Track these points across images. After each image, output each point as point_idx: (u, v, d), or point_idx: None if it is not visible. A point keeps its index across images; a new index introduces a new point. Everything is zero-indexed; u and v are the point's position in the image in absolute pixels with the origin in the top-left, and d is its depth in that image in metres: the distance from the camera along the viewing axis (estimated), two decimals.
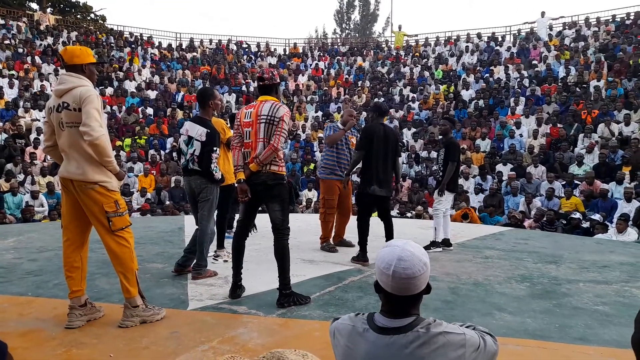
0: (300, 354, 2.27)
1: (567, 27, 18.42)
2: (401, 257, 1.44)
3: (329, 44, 25.05)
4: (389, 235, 4.83)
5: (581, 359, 2.73)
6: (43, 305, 3.47)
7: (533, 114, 12.66)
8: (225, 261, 4.69)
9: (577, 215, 8.51)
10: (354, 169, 5.13)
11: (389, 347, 1.45)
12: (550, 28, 18.36)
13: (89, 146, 2.88)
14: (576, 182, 9.86)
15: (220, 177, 4.08)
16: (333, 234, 5.55)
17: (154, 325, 3.07)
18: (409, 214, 10.16)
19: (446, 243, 5.57)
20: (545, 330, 3.09)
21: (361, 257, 4.73)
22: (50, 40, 18.39)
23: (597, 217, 8.20)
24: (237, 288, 3.63)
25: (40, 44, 17.91)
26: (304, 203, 10.97)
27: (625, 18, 17.53)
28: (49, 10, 25.40)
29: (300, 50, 22.31)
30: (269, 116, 3.43)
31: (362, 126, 5.32)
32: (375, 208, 5.01)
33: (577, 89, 13.49)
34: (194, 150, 4.01)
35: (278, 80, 3.67)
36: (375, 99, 16.21)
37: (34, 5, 26.66)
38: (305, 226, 6.81)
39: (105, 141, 2.89)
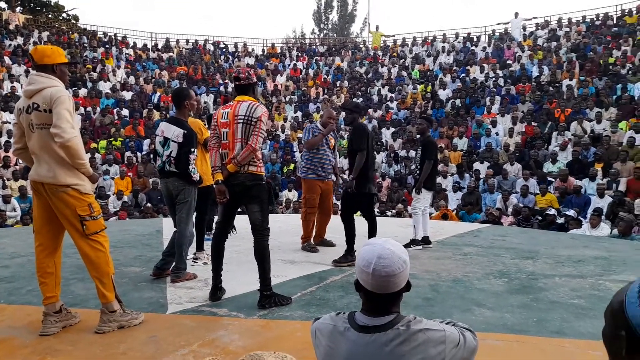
0: (279, 356, 2.26)
1: (540, 27, 18.83)
2: (381, 255, 1.45)
3: (307, 44, 25.04)
4: (372, 232, 4.84)
5: (558, 351, 2.79)
6: (16, 313, 3.37)
7: (508, 113, 12.90)
8: (205, 263, 4.63)
9: (552, 211, 8.70)
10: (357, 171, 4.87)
11: (369, 346, 1.45)
12: (524, 28, 18.75)
13: (60, 148, 2.80)
14: (550, 179, 10.09)
15: (198, 178, 4.03)
16: (314, 234, 5.54)
17: (132, 330, 3.01)
18: (388, 213, 10.23)
19: (425, 241, 5.62)
20: (523, 324, 3.15)
21: (350, 257, 4.63)
22: (20, 40, 17.90)
23: (571, 212, 8.39)
24: (217, 290, 3.59)
25: (10, 44, 17.40)
26: (284, 204, 10.93)
27: (595, 19, 18.03)
28: (18, 9, 24.71)
29: (279, 51, 22.24)
30: (247, 116, 3.39)
31: (349, 126, 5.26)
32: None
33: (550, 88, 13.81)
34: (171, 151, 3.94)
35: (255, 80, 3.62)
36: (353, 99, 16.27)
37: (2, 4, 25.92)
38: (285, 227, 6.79)
39: (78, 143, 2.81)
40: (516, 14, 19.17)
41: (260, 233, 3.47)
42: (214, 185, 3.50)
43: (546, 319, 3.25)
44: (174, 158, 3.93)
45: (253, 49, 22.03)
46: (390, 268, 1.44)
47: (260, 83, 3.99)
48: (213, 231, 4.18)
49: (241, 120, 3.40)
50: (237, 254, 4.96)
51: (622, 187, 9.11)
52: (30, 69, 15.37)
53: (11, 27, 18.95)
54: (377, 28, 22.12)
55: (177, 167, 3.93)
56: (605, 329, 1.07)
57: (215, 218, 3.93)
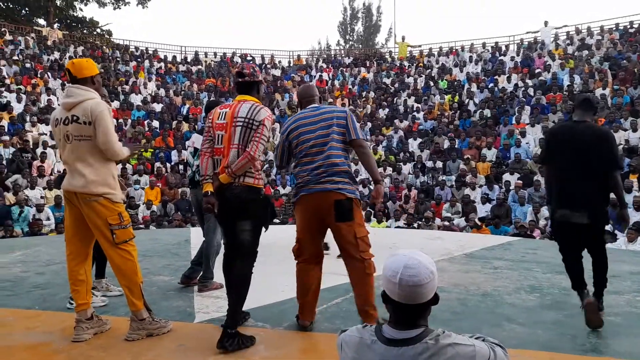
0: None
1: (570, 36, 18.45)
2: (408, 265, 1.44)
3: (333, 56, 25.19)
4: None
5: None
6: (50, 319, 3.47)
7: (539, 123, 12.63)
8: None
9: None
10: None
11: (397, 359, 1.44)
12: (556, 37, 18.39)
13: (113, 159, 3.02)
14: None
15: None
16: None
17: (160, 339, 3.06)
18: (415, 224, 10.11)
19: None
20: (556, 341, 3.05)
21: None
22: (57, 55, 18.63)
23: (608, 226, 8.11)
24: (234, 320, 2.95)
25: (48, 59, 18.14)
26: None
27: (629, 26, 17.54)
28: (56, 25, 25.77)
29: (305, 62, 22.45)
30: (247, 119, 2.94)
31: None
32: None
33: None
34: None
35: (260, 78, 3.18)
36: (379, 109, 16.24)
37: (41, 21, 27.09)
38: None
39: (120, 151, 3.05)
40: (546, 23, 18.84)
41: (247, 257, 2.98)
42: (204, 197, 3.01)
43: (581, 336, 3.14)
44: None
45: (280, 61, 22.31)
46: (418, 278, 1.43)
47: (263, 82, 3.29)
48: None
49: (240, 123, 2.94)
50: (263, 264, 4.97)
51: None
52: (65, 82, 15.98)
53: (49, 42, 19.76)
54: (403, 38, 22.09)
55: None
56: None
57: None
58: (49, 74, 16.84)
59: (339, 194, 2.98)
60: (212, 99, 13.92)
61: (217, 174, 2.96)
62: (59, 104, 3.20)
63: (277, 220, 9.70)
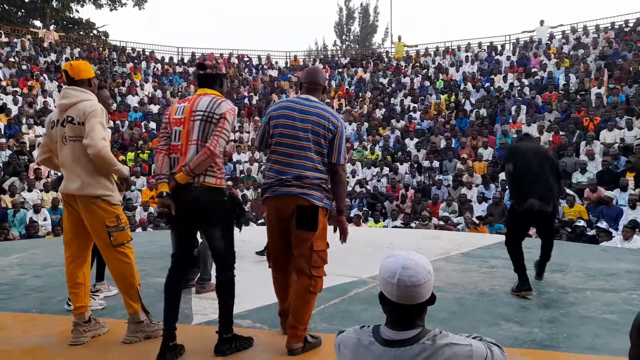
0: None
1: (566, 35, 18.50)
2: (405, 265, 1.45)
3: (330, 56, 25.21)
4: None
5: None
6: (47, 322, 3.46)
7: (535, 122, 12.67)
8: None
9: (582, 223, 8.45)
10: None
11: None
12: (551, 36, 18.45)
13: (94, 158, 2.87)
14: (571, 191, 9.76)
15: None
16: None
17: (158, 341, 3.03)
18: (412, 224, 10.13)
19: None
20: (553, 340, 3.06)
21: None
22: (53, 56, 18.58)
23: (603, 225, 8.16)
24: (167, 350, 2.69)
25: (44, 61, 18.09)
26: None
27: (624, 25, 17.61)
28: (52, 27, 25.71)
29: (301, 63, 22.45)
30: (207, 112, 2.70)
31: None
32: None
33: (578, 97, 13.51)
34: None
35: (223, 71, 2.90)
36: (376, 109, 16.28)
37: (37, 23, 27.01)
38: None
39: (107, 152, 2.89)
40: (541, 22, 18.91)
41: (226, 263, 2.81)
42: (158, 198, 2.75)
43: (577, 334, 3.15)
44: None
45: (276, 62, 22.31)
46: (416, 278, 1.44)
47: (227, 75, 2.42)
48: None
49: (200, 117, 2.70)
50: (259, 264, 4.98)
51: None
52: (62, 84, 15.94)
53: (45, 44, 19.71)
54: (399, 38, 22.12)
55: None
56: (631, 352, 1.05)
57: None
58: (45, 75, 16.81)
59: (305, 200, 2.73)
60: None
61: (174, 173, 2.71)
62: (55, 106, 3.17)
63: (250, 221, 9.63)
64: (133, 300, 3.02)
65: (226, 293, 2.79)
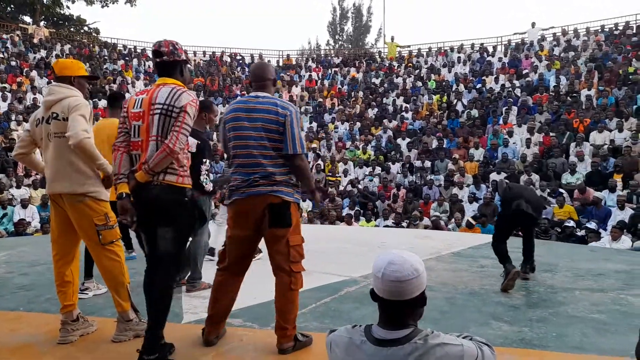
0: None
1: (557, 37, 18.66)
2: (392, 261, 1.48)
3: (323, 55, 25.20)
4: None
5: None
6: (35, 320, 3.42)
7: (525, 123, 12.76)
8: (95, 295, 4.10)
9: (571, 223, 8.53)
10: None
11: (386, 359, 1.44)
12: (542, 38, 18.59)
13: (75, 150, 2.79)
14: (561, 191, 9.86)
15: (211, 188, 4.00)
16: None
17: None
18: (404, 224, 10.16)
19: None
20: (542, 339, 3.08)
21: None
22: (43, 53, 18.39)
23: (592, 225, 8.24)
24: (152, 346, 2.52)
25: (34, 57, 17.89)
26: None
27: (614, 28, 17.81)
28: (42, 23, 25.43)
29: (294, 62, 22.42)
30: (166, 105, 2.53)
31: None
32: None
33: (568, 98, 13.63)
34: None
35: (183, 57, 2.69)
36: (368, 109, 16.31)
37: (27, 19, 26.71)
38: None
39: (90, 144, 2.79)
40: (533, 24, 19.04)
41: (169, 268, 2.59)
42: (117, 201, 2.61)
43: (566, 334, 3.18)
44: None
45: (269, 60, 22.27)
46: (400, 273, 1.45)
47: (187, 61, 2.44)
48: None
49: (159, 111, 2.53)
50: (254, 262, 4.96)
51: None
52: (52, 80, 15.78)
53: (35, 40, 19.50)
54: (392, 39, 22.17)
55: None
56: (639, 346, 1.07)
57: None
58: (35, 72, 16.62)
59: (275, 197, 2.64)
60: (200, 98, 13.85)
61: (135, 171, 2.56)
62: (41, 102, 3.11)
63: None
64: (122, 299, 2.99)
65: (160, 302, 2.55)
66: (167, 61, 2.63)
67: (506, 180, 4.73)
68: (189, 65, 2.73)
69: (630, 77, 13.47)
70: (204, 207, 4.02)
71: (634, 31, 17.03)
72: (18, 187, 10.43)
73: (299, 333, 2.83)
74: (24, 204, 9.64)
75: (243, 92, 17.90)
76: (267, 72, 2.84)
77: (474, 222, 9.39)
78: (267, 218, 2.65)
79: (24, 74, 16.22)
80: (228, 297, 2.87)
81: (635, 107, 12.16)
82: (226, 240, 2.89)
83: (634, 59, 14.45)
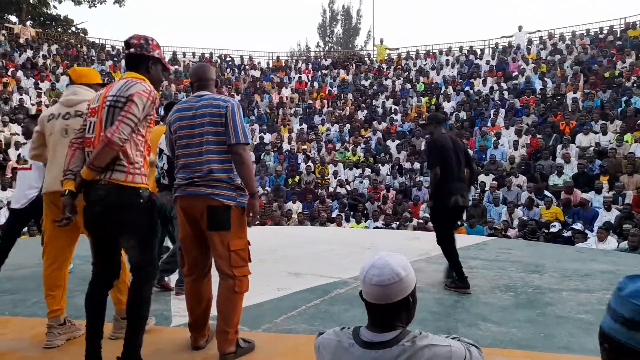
0: None
1: (543, 40, 18.89)
2: (374, 265, 1.48)
3: (313, 57, 25.22)
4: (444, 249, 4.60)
5: None
6: (20, 325, 3.37)
7: (513, 125, 12.90)
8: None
9: (557, 227, 8.59)
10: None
11: None
12: (529, 42, 18.81)
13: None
14: (548, 193, 9.96)
15: (167, 182, 3.82)
16: None
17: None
18: (393, 225, 10.20)
19: None
20: (530, 340, 3.11)
21: (460, 284, 4.28)
22: (30, 53, 18.16)
23: (579, 226, 8.34)
24: None
25: (20, 57, 17.66)
26: (294, 215, 10.94)
27: (599, 32, 18.08)
28: (28, 23, 25.10)
29: (284, 64, 22.42)
30: (116, 96, 2.35)
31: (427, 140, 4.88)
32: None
33: (554, 101, 13.80)
34: (163, 164, 3.82)
35: (153, 54, 2.52)
36: (358, 111, 16.35)
37: (13, 18, 26.35)
38: (289, 239, 6.77)
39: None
40: (520, 28, 19.27)
41: (141, 278, 2.43)
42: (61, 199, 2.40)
43: (553, 334, 3.21)
44: (167, 171, 3.79)
45: (259, 62, 22.23)
46: (379, 278, 1.46)
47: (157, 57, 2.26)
48: (163, 257, 3.97)
49: (108, 103, 2.36)
50: None
51: (628, 200, 9.05)
52: (38, 81, 15.61)
53: (22, 40, 19.25)
54: (381, 41, 22.28)
55: (170, 181, 3.66)
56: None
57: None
58: (22, 72, 16.40)
59: (214, 200, 2.54)
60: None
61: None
62: (59, 100, 3.12)
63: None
64: (122, 295, 2.96)
65: (135, 314, 2.39)
66: (134, 54, 2.48)
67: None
68: (164, 66, 2.62)
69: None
70: (166, 206, 3.82)
71: (618, 35, 17.31)
72: (4, 189, 10.28)
73: (240, 339, 2.73)
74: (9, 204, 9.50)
75: (233, 94, 17.84)
76: (209, 72, 2.83)
77: (459, 223, 9.44)
78: (206, 221, 2.58)
79: (10, 74, 16.00)
80: (202, 302, 2.81)
81: (619, 109, 12.36)
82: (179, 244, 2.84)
83: (618, 62, 14.69)
